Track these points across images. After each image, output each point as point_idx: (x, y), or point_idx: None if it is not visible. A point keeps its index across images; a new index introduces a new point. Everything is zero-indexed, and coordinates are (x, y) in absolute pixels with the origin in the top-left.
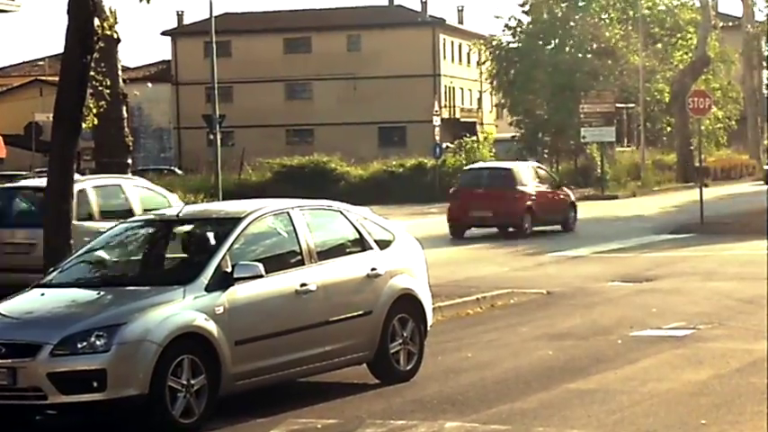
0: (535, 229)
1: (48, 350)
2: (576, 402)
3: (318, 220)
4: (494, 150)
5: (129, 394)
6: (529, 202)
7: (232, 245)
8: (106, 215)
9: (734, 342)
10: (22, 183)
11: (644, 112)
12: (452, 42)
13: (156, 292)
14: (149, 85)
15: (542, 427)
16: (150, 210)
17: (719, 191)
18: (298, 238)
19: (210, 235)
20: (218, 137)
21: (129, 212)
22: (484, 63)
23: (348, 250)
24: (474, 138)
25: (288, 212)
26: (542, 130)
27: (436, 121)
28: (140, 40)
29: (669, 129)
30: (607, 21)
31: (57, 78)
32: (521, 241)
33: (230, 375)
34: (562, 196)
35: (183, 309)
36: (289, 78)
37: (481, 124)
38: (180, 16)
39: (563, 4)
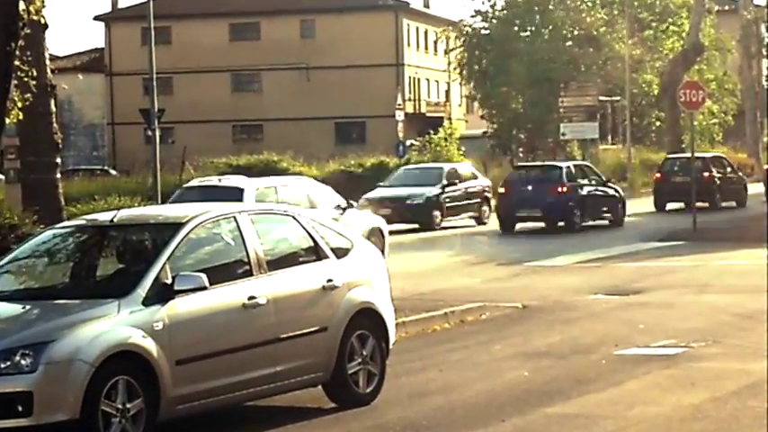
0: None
1: None
2: (555, 429)
3: (268, 226)
4: (463, 148)
5: (57, 419)
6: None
7: (172, 253)
8: None
9: (730, 362)
10: None
11: (630, 106)
12: (417, 28)
13: (87, 307)
14: (80, 76)
15: None
16: None
17: None
18: (245, 246)
19: (148, 243)
20: (157, 133)
21: None
22: (452, 51)
23: (301, 259)
24: (441, 134)
25: (234, 217)
26: (517, 125)
27: (399, 115)
28: (70, 26)
29: (658, 124)
30: (589, 5)
31: None
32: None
33: (170, 398)
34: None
35: (117, 325)
36: (235, 68)
37: (449, 119)
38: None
39: None
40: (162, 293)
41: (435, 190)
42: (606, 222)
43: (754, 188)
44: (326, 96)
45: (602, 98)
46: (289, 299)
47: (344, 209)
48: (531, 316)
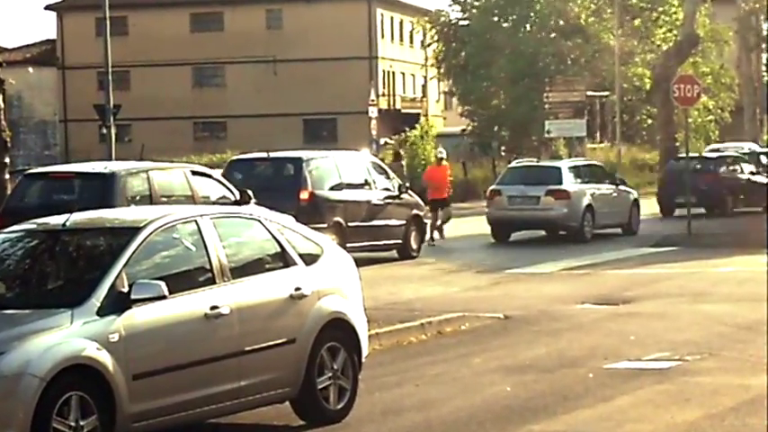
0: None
1: None
2: None
3: (232, 231)
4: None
5: None
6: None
7: (129, 260)
8: None
9: (728, 376)
10: None
11: (620, 102)
12: (392, 19)
13: (38, 317)
14: (31, 69)
15: None
16: None
17: None
18: (207, 252)
19: (103, 248)
20: (113, 131)
21: None
22: (430, 44)
23: (268, 266)
24: (417, 132)
25: (196, 221)
26: (499, 122)
27: (373, 112)
28: (20, 16)
29: (650, 121)
30: None
31: None
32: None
33: (127, 415)
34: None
35: (70, 336)
36: (197, 61)
37: (426, 116)
38: None
39: None
40: (118, 303)
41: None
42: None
43: None
44: (294, 91)
45: (589, 93)
46: (254, 308)
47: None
48: (513, 327)
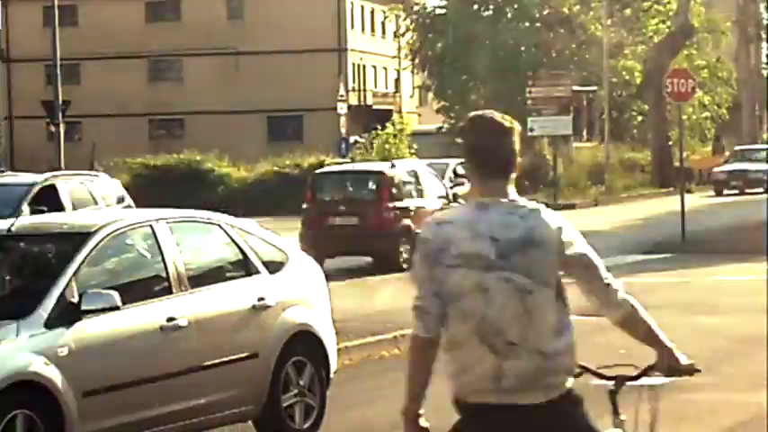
0: None
1: None
2: None
3: (191, 236)
4: (415, 146)
5: None
6: None
7: (79, 268)
8: None
9: (724, 393)
10: None
11: (609, 98)
12: (363, 8)
13: None
14: None
15: None
16: None
17: (706, 199)
18: (164, 259)
19: (51, 255)
20: (62, 129)
21: None
22: (403, 35)
23: (229, 275)
24: (389, 130)
25: (151, 226)
26: None
27: (342, 108)
28: None
29: (641, 119)
30: None
31: None
32: None
33: None
34: None
35: (15, 350)
36: (152, 54)
37: (399, 112)
38: None
39: None
40: (67, 314)
41: None
42: None
43: None
44: (257, 86)
45: (575, 88)
46: (214, 320)
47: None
48: None
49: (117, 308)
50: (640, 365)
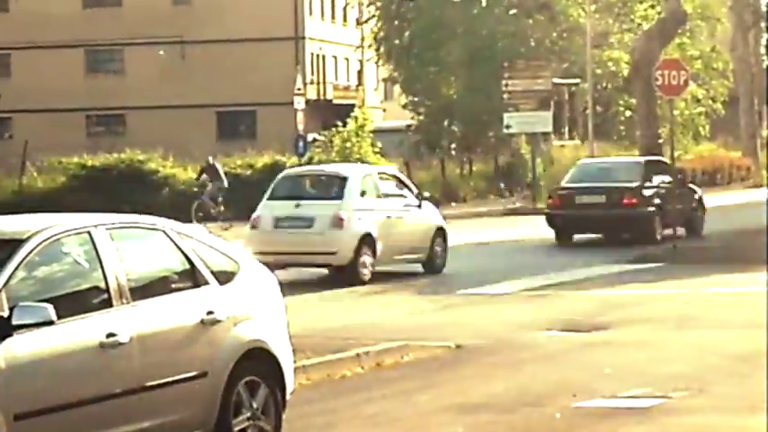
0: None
1: None
2: None
3: (133, 244)
4: (379, 144)
5: None
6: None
7: (9, 279)
8: None
9: (720, 415)
10: None
11: (593, 91)
12: None
13: None
14: None
15: None
16: None
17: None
18: (103, 269)
19: None
20: None
21: None
22: (366, 21)
23: (174, 286)
24: (351, 127)
25: (89, 232)
26: (449, 115)
27: (299, 103)
28: None
29: (628, 114)
30: None
31: None
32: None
33: None
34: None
35: None
36: (90, 43)
37: (362, 107)
38: None
39: None
40: None
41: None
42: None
43: (752, 195)
44: (206, 79)
45: (556, 81)
46: (158, 336)
47: None
48: (467, 358)
49: (51, 322)
50: (625, 385)
